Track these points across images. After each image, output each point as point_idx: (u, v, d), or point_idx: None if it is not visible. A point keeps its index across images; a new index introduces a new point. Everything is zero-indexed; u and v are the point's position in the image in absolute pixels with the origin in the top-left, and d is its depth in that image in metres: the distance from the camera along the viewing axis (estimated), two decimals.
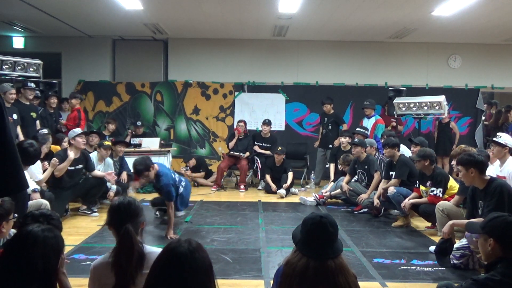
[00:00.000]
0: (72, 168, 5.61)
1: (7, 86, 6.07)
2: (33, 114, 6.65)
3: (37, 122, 6.71)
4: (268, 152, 7.93)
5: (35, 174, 4.91)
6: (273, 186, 7.38)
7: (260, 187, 8.00)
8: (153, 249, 2.18)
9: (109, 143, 6.34)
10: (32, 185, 4.67)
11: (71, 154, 5.49)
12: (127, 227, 2.10)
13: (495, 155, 4.54)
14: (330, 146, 8.02)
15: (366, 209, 6.04)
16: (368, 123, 7.76)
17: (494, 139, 4.55)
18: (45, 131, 6.00)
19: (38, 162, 4.83)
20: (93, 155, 6.15)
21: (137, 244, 2.08)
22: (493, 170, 4.54)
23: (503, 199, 3.56)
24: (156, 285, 1.57)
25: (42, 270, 1.80)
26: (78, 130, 5.84)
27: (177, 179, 4.99)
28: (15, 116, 6.07)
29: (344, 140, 7.28)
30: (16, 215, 2.54)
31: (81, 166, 5.72)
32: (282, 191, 7.19)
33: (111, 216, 2.25)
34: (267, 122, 8.11)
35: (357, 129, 7.32)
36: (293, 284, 1.78)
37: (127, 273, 2.01)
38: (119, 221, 2.16)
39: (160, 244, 4.23)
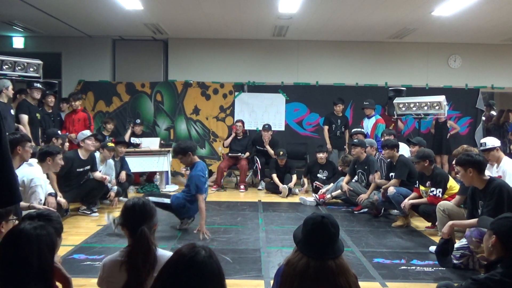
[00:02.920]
0: (81, 169, 5.65)
1: (7, 81, 6.09)
2: (38, 115, 6.67)
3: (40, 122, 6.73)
4: (271, 151, 7.91)
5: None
6: (280, 185, 7.35)
7: (260, 187, 8.00)
8: (163, 252, 2.18)
9: (113, 145, 6.37)
10: (48, 189, 4.66)
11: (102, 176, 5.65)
12: (144, 229, 2.10)
13: (492, 160, 4.56)
14: (345, 147, 8.05)
15: (366, 209, 6.05)
16: (369, 123, 7.76)
17: (481, 148, 4.57)
18: (63, 133, 6.01)
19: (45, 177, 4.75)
20: (96, 155, 6.15)
21: (153, 246, 2.10)
22: (492, 171, 4.55)
23: (502, 199, 3.56)
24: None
25: (38, 267, 1.80)
26: (87, 133, 5.83)
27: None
28: (12, 112, 6.10)
29: (322, 155, 7.39)
30: (15, 217, 2.54)
31: (88, 167, 5.77)
32: (285, 186, 7.19)
33: (125, 216, 2.23)
34: (266, 128, 8.02)
35: (354, 129, 7.33)
36: (294, 284, 1.78)
37: (142, 275, 2.01)
38: (134, 222, 2.15)
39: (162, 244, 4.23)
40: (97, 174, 5.84)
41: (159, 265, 2.03)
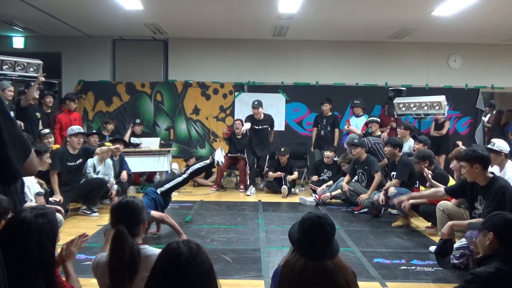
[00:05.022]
0: (72, 164, 5.61)
1: (6, 83, 6.08)
2: (38, 114, 6.66)
3: (40, 122, 6.72)
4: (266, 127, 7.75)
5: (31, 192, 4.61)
6: (277, 174, 7.36)
7: (249, 193, 7.53)
8: (156, 251, 2.13)
9: (110, 144, 6.35)
10: (36, 188, 4.64)
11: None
12: (119, 228, 2.06)
13: (492, 162, 4.51)
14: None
15: (366, 209, 6.04)
16: (358, 121, 7.77)
17: (489, 146, 4.51)
18: (47, 130, 5.99)
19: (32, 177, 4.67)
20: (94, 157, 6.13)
21: (129, 246, 2.02)
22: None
23: (504, 201, 3.55)
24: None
25: (38, 258, 1.75)
26: (75, 128, 5.79)
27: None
28: (12, 114, 6.08)
29: (330, 154, 7.33)
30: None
31: (80, 160, 5.70)
32: (285, 187, 7.21)
33: (111, 216, 2.26)
34: (256, 105, 7.57)
35: (370, 118, 7.32)
36: (292, 285, 1.78)
37: (119, 275, 1.98)
38: (116, 222, 2.17)
39: (163, 244, 4.23)
40: (101, 149, 5.81)
41: (149, 265, 2.02)
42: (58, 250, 2.34)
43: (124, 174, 6.54)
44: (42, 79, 6.23)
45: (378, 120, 7.33)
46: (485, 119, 9.32)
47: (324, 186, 6.86)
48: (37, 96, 6.74)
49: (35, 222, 1.80)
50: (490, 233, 2.39)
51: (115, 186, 6.09)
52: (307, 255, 1.80)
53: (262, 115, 7.70)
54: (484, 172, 3.71)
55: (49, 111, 7.27)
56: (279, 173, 7.41)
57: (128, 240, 2.03)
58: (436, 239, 4.56)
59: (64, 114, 7.42)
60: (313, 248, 1.81)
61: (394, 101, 7.60)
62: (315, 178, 7.37)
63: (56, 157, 5.51)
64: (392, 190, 5.34)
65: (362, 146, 6.31)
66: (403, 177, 5.49)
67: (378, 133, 7.16)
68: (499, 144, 4.42)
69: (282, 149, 7.57)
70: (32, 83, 6.20)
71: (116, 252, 2.01)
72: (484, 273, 2.27)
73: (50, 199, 5.00)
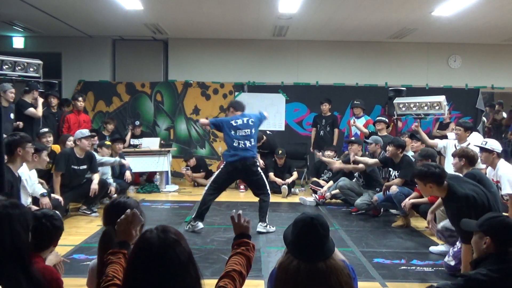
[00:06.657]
0: (76, 167, 5.61)
1: (7, 85, 6.08)
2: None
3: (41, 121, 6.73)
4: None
5: (35, 189, 4.64)
6: (278, 180, 7.39)
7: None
8: None
9: (110, 143, 6.38)
10: (40, 189, 4.65)
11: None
12: (106, 229, 2.05)
13: (484, 161, 4.50)
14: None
15: (363, 211, 6.02)
16: (357, 122, 7.77)
17: (481, 145, 4.50)
18: (46, 129, 5.99)
19: (34, 172, 4.66)
20: (95, 155, 6.13)
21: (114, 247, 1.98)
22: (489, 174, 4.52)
23: (462, 210, 3.21)
24: (133, 281, 1.50)
25: (12, 246, 1.71)
26: (85, 132, 5.82)
27: None
28: (12, 116, 6.09)
29: (330, 154, 7.29)
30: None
31: (85, 166, 5.72)
32: (285, 186, 7.22)
33: (103, 216, 2.25)
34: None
35: (378, 118, 7.38)
36: (287, 286, 1.79)
37: None
38: (107, 222, 2.15)
39: None
40: (96, 177, 5.75)
41: None
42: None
43: (128, 175, 6.55)
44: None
45: (386, 120, 7.34)
46: (485, 119, 9.33)
47: (326, 187, 6.85)
48: (36, 96, 6.73)
49: (4, 211, 1.76)
50: (487, 237, 2.40)
51: (114, 184, 6.11)
52: (299, 256, 1.81)
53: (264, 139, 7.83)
54: (439, 188, 3.35)
55: (55, 110, 7.28)
56: (279, 180, 7.41)
57: (114, 242, 1.98)
58: (436, 239, 4.57)
59: (74, 114, 7.43)
60: (305, 250, 1.81)
61: (394, 101, 7.59)
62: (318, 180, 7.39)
63: (63, 158, 5.52)
64: (394, 189, 5.33)
65: (359, 143, 6.32)
66: (406, 177, 5.42)
67: (385, 133, 7.14)
68: (491, 143, 4.44)
69: (280, 151, 7.58)
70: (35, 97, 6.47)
71: (101, 254, 1.94)
72: (476, 276, 2.28)
73: (52, 195, 5.00)
